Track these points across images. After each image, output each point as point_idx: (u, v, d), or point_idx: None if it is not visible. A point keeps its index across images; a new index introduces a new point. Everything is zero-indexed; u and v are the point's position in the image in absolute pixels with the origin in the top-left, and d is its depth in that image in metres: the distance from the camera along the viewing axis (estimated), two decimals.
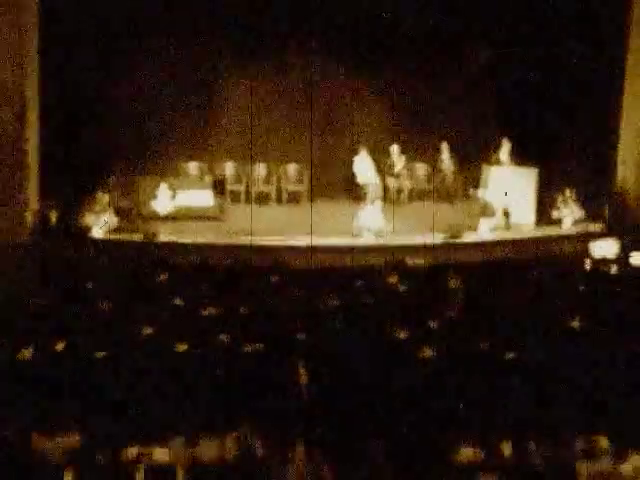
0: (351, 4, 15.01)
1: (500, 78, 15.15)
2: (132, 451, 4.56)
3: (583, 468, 4.65)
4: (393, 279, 9.78)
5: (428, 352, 6.94)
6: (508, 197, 13.71)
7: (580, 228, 13.80)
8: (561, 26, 14.20)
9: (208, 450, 4.58)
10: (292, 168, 15.82)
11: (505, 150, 14.50)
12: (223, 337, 7.15)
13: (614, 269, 11.04)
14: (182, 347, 6.92)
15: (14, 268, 10.70)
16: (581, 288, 9.73)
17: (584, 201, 13.98)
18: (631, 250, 11.92)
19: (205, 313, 8.16)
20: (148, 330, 7.33)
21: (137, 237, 12.82)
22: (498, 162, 14.38)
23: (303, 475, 4.47)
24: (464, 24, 14.99)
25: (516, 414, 5.66)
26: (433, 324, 7.87)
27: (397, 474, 4.55)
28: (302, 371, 6.16)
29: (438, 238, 13.07)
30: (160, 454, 4.59)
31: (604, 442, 4.89)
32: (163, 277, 9.84)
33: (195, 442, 4.65)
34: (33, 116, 12.67)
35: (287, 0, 14.86)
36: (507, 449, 4.88)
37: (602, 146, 14.24)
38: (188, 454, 4.57)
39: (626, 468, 4.65)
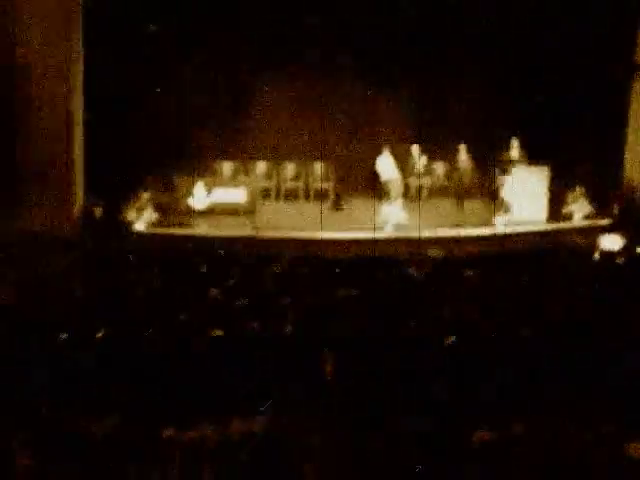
0: (374, 14, 14.96)
1: (514, 81, 15.02)
2: (169, 432, 4.55)
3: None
4: (414, 269, 9.74)
5: (448, 338, 6.90)
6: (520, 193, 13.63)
7: (589, 222, 13.69)
8: (571, 28, 14.04)
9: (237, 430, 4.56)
10: (319, 167, 15.79)
11: (518, 150, 14.38)
12: (254, 324, 7.12)
13: (621, 260, 10.99)
14: (217, 332, 6.90)
15: (62, 259, 10.73)
16: (590, 277, 9.66)
17: (593, 197, 13.87)
18: (637, 243, 11.82)
19: (238, 301, 8.13)
20: (183, 316, 7.30)
21: (175, 231, 12.87)
22: (512, 161, 14.25)
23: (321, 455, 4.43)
24: (480, 31, 14.92)
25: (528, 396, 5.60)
26: (450, 312, 7.81)
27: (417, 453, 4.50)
28: (327, 356, 6.12)
29: (456, 231, 13.03)
30: (190, 436, 4.57)
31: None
32: (200, 267, 9.84)
33: (225, 424, 4.62)
34: (79, 118, 12.70)
35: (315, 14, 14.82)
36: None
37: (610, 145, 14.11)
38: (218, 435, 4.55)
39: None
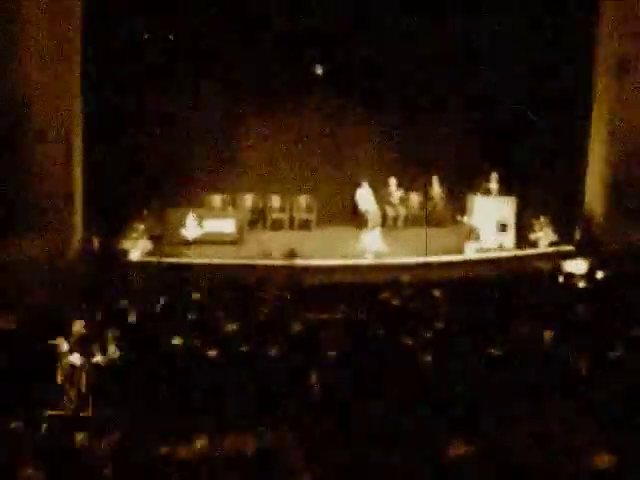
0: (356, 58, 15.10)
1: (485, 122, 15.18)
2: (164, 450, 4.50)
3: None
4: (390, 294, 9.74)
5: (423, 356, 6.90)
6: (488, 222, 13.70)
7: (554, 249, 13.77)
8: (538, 81, 14.25)
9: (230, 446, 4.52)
10: (303, 199, 15.82)
11: (488, 182, 14.46)
12: (244, 346, 7.10)
13: (582, 283, 11.08)
14: (211, 353, 6.87)
15: (62, 286, 10.67)
16: (554, 298, 9.73)
17: (557, 226, 13.97)
18: (596, 268, 11.90)
19: (228, 324, 8.10)
20: (177, 340, 7.27)
21: (169, 259, 12.84)
22: (482, 192, 14.33)
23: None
24: (454, 76, 15.13)
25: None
26: (425, 332, 7.81)
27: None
28: (313, 375, 6.11)
29: (430, 258, 13.07)
30: (186, 452, 4.52)
31: None
32: (192, 293, 9.81)
33: (219, 439, 4.58)
34: (77, 154, 12.68)
35: (299, 56, 14.92)
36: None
37: (572, 179, 14.24)
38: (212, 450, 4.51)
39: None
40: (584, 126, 13.95)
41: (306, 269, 12.53)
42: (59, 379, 6.50)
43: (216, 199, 15.30)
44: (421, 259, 13.08)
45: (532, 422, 5.18)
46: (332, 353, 6.96)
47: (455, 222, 14.96)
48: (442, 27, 14.73)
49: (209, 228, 13.96)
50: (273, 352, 6.87)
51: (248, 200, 15.62)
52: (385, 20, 14.94)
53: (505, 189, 14.27)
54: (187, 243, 13.63)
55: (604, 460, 4.49)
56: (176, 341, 7.26)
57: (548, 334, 7.61)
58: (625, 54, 13.21)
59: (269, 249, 13.35)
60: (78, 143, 12.66)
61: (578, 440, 4.76)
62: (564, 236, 13.98)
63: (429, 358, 6.84)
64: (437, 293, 9.80)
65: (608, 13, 13.45)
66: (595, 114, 13.83)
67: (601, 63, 13.66)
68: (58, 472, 4.09)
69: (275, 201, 15.73)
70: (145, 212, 13.88)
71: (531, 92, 14.37)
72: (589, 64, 13.77)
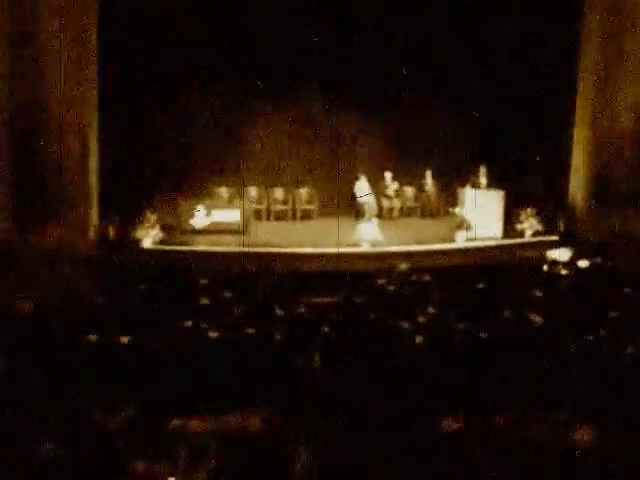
0: (354, 62, 15.09)
1: (475, 119, 15.21)
2: (175, 422, 4.52)
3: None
4: (386, 280, 9.74)
5: (417, 339, 6.90)
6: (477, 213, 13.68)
7: (539, 239, 13.77)
8: (524, 80, 14.24)
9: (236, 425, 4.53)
10: (304, 191, 15.83)
11: (477, 175, 14.44)
12: (249, 329, 7.09)
13: (565, 271, 11.07)
14: (214, 335, 6.87)
15: (79, 273, 10.67)
16: (539, 286, 9.72)
17: (542, 217, 13.96)
18: (579, 257, 11.91)
19: (234, 309, 8.10)
20: (188, 323, 7.26)
21: (179, 247, 12.87)
22: (472, 185, 14.32)
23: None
24: (449, 75, 15.14)
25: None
26: (418, 317, 7.80)
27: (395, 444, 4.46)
28: (316, 357, 6.10)
29: (423, 247, 13.08)
30: (196, 426, 4.53)
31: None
32: (200, 280, 9.80)
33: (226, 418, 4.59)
34: (93, 146, 12.68)
35: (303, 57, 14.91)
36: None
37: (557, 172, 14.24)
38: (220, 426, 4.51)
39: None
40: (568, 122, 13.94)
41: (307, 256, 12.55)
42: None
43: (223, 191, 15.31)
44: (414, 247, 13.08)
45: (517, 402, 5.18)
46: (329, 334, 6.96)
47: (447, 213, 14.98)
48: (432, 26, 14.77)
49: (216, 218, 13.96)
50: (275, 334, 6.86)
51: (253, 192, 15.64)
52: (379, 19, 14.95)
53: (494, 182, 14.25)
54: (196, 232, 13.63)
55: (586, 435, 4.51)
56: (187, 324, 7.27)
57: (534, 317, 7.62)
58: (606, 56, 13.20)
59: (272, 238, 13.38)
60: (94, 142, 12.68)
61: (560, 416, 4.77)
62: (549, 226, 13.97)
63: (421, 340, 6.84)
64: (429, 279, 9.81)
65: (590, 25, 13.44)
66: (578, 111, 13.82)
67: (584, 63, 13.63)
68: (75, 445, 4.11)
69: (278, 193, 15.76)
70: (157, 203, 13.87)
71: (518, 90, 14.35)
72: (573, 63, 13.74)
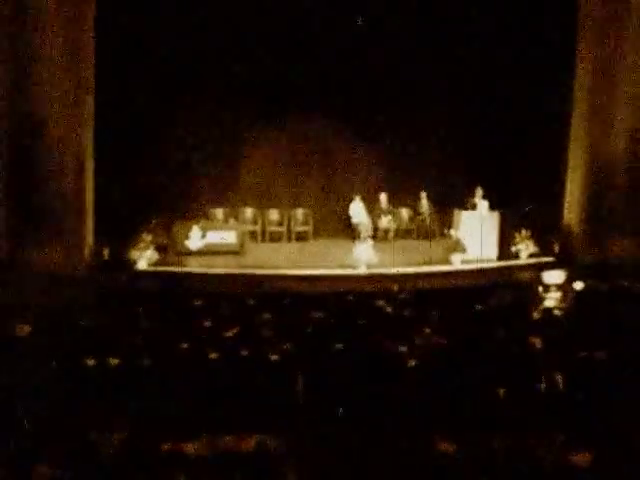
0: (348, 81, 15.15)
1: (471, 142, 15.29)
2: (167, 446, 4.49)
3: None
4: (381, 302, 9.72)
5: (411, 362, 6.87)
6: (474, 234, 13.67)
7: (534, 260, 13.78)
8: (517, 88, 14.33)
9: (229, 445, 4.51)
10: (299, 212, 15.85)
11: (473, 197, 14.48)
12: (243, 351, 7.07)
13: (560, 293, 11.07)
14: (212, 356, 6.84)
15: (74, 294, 10.64)
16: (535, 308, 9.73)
17: (538, 239, 13.98)
18: (574, 278, 11.91)
19: (227, 331, 8.06)
20: (184, 345, 7.24)
21: (174, 269, 12.85)
22: (467, 207, 14.34)
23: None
24: (443, 96, 15.23)
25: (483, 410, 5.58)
26: (415, 339, 7.77)
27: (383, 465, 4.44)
28: (300, 380, 6.09)
29: (419, 268, 13.08)
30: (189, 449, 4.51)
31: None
32: (195, 301, 9.77)
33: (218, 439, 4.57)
34: (89, 167, 12.70)
35: (299, 79, 14.98)
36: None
37: (551, 194, 14.28)
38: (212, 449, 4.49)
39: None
40: (563, 145, 14.01)
41: (302, 278, 12.53)
42: None
43: (219, 213, 15.33)
44: (410, 269, 13.08)
45: (514, 424, 5.17)
46: (325, 354, 6.94)
47: (442, 235, 14.99)
48: (429, 46, 14.95)
49: (212, 239, 13.95)
50: (267, 358, 6.84)
51: (249, 213, 15.66)
52: (374, 39, 15.06)
53: (489, 204, 14.27)
54: (191, 253, 13.62)
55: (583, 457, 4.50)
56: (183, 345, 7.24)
57: (533, 340, 7.60)
58: (600, 81, 13.30)
59: (268, 259, 13.37)
60: (90, 162, 12.71)
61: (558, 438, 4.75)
62: (544, 248, 13.98)
63: (416, 362, 6.81)
64: (425, 301, 9.79)
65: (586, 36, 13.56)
66: (573, 132, 13.89)
67: (580, 80, 13.72)
68: (72, 467, 4.08)
69: (274, 214, 15.77)
70: (152, 224, 13.87)
71: (515, 112, 14.44)
72: (569, 81, 13.83)
